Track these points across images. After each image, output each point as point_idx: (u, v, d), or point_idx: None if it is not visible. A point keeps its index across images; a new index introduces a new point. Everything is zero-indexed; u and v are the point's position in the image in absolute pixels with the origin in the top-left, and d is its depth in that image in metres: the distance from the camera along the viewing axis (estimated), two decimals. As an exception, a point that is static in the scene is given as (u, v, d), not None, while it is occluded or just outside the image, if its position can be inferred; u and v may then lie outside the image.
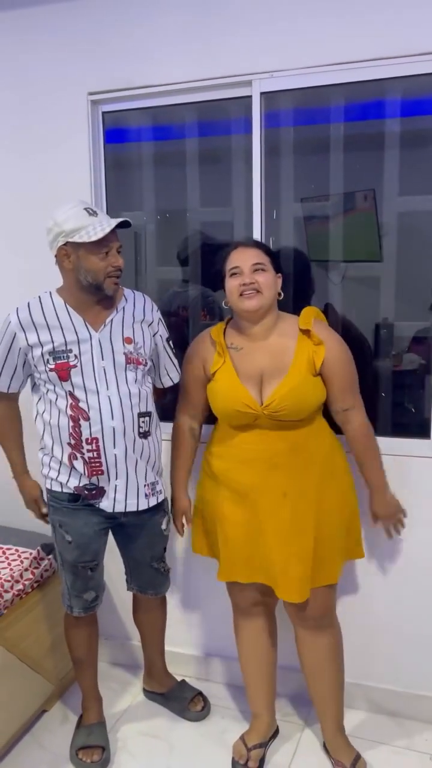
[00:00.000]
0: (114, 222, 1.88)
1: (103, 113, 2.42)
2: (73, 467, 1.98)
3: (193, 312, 2.54)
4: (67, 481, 2.00)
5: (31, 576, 2.29)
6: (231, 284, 1.94)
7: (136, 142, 2.49)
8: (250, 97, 2.21)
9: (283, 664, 2.29)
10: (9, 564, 2.28)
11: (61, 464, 2.01)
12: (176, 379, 2.20)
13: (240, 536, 2.00)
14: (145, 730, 2.32)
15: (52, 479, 2.04)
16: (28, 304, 1.97)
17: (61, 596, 2.19)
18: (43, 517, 2.17)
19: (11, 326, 1.95)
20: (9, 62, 2.43)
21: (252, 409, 1.91)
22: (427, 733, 2.26)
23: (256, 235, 2.27)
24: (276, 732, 2.24)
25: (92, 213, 1.89)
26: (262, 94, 2.20)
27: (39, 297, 1.99)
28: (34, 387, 2.06)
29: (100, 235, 1.84)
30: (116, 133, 2.47)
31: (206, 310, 2.52)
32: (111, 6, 2.29)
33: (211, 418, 2.12)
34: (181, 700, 2.39)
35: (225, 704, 2.44)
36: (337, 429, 2.05)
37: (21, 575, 2.25)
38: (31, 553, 2.35)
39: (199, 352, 2.07)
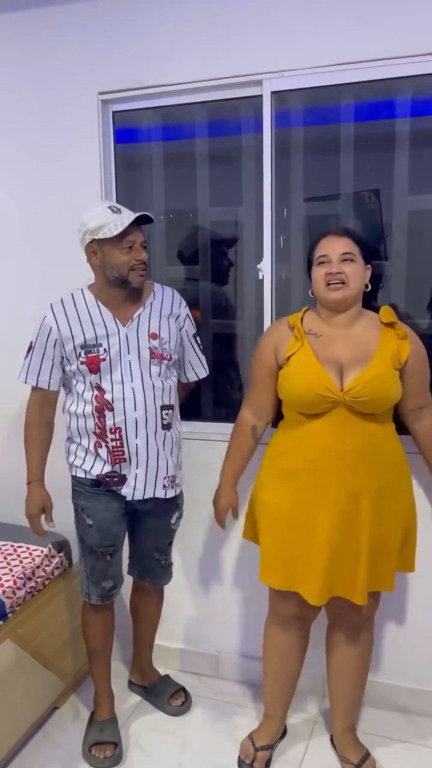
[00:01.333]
0: (132, 217, 1.95)
1: (114, 113, 2.43)
2: (98, 455, 2.05)
3: (202, 309, 2.55)
4: (91, 468, 2.07)
5: (42, 573, 2.30)
6: (317, 273, 1.90)
7: (147, 142, 2.50)
8: (260, 96, 2.23)
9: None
10: (21, 562, 2.29)
11: (86, 452, 2.08)
12: (202, 375, 2.25)
13: (301, 542, 1.91)
14: (156, 726, 2.33)
15: (77, 466, 2.10)
16: (62, 300, 2.06)
17: (77, 589, 2.23)
18: (41, 531, 2.15)
19: (47, 320, 2.04)
20: (20, 63, 2.44)
21: (332, 393, 1.82)
22: (438, 729, 2.27)
23: (266, 234, 2.28)
24: (284, 733, 2.24)
25: (116, 210, 1.98)
26: (272, 93, 2.21)
27: (72, 294, 2.08)
28: (64, 381, 2.12)
29: (120, 229, 1.93)
30: (127, 133, 2.48)
31: (216, 308, 2.54)
32: (121, 6, 2.30)
33: (274, 422, 2.08)
34: (163, 694, 2.41)
35: (238, 701, 2.44)
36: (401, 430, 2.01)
37: (33, 573, 2.26)
38: (42, 551, 2.36)
39: (271, 339, 1.99)
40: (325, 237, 1.94)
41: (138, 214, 1.96)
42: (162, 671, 2.54)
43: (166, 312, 2.10)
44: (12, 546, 2.41)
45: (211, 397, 2.56)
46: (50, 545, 2.39)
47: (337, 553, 1.88)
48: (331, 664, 2.12)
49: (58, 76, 2.41)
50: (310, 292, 1.97)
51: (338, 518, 1.87)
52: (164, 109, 2.41)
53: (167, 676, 2.49)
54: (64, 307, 2.04)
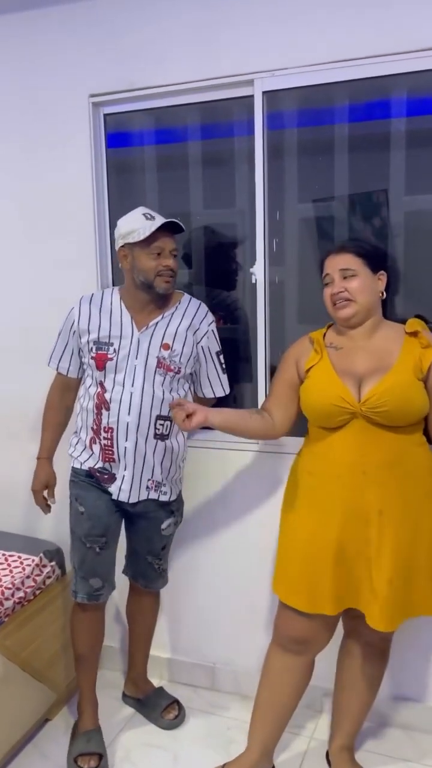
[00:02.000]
0: (158, 223, 1.97)
1: (105, 115, 2.40)
2: (92, 450, 2.10)
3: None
4: (86, 461, 2.12)
5: (33, 583, 2.27)
6: (324, 294, 1.88)
7: (139, 146, 2.46)
8: (252, 96, 2.18)
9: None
10: (11, 571, 2.26)
11: (84, 446, 2.13)
12: (219, 393, 2.20)
13: (322, 560, 1.82)
14: (148, 740, 2.28)
15: (74, 458, 2.17)
16: (92, 294, 2.14)
17: (70, 598, 2.22)
18: (45, 506, 2.25)
19: (73, 311, 2.12)
20: (10, 64, 2.43)
21: (349, 404, 1.77)
22: (438, 747, 2.19)
23: (259, 237, 2.24)
24: None
25: (149, 217, 2.01)
26: (264, 93, 2.17)
27: (103, 291, 2.15)
28: (83, 373, 2.18)
29: (147, 233, 1.96)
30: (119, 137, 2.45)
31: (219, 313, 2.49)
32: (111, 7, 2.27)
33: (297, 431, 2.01)
34: (157, 707, 2.37)
35: (233, 715, 2.39)
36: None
37: (22, 582, 2.23)
38: (33, 560, 2.32)
39: (293, 352, 1.96)
40: (327, 256, 1.89)
41: (166, 221, 1.98)
42: (157, 682, 2.50)
43: (185, 324, 2.08)
44: (3, 555, 2.38)
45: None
46: (42, 554, 2.35)
47: (356, 572, 1.81)
48: (341, 680, 2.06)
49: (48, 79, 2.38)
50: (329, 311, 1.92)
51: (363, 534, 1.79)
52: (156, 113, 2.38)
53: (161, 689, 2.45)
54: (90, 301, 2.11)
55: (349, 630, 2.03)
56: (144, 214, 2.01)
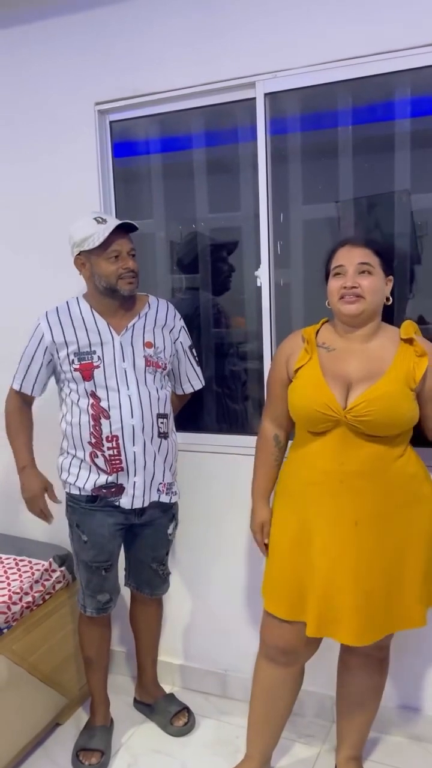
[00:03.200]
0: (112, 225, 1.94)
1: (111, 123, 2.42)
2: (94, 464, 2.04)
3: (198, 318, 2.50)
4: (86, 482, 2.05)
5: (41, 588, 2.28)
6: (333, 285, 1.77)
7: (145, 154, 2.48)
8: (254, 99, 2.16)
9: (305, 686, 2.20)
10: (20, 576, 2.28)
11: (80, 466, 2.06)
12: (197, 386, 2.25)
13: (300, 569, 1.80)
14: (158, 747, 2.27)
15: (70, 484, 2.09)
16: (57, 307, 2.08)
17: (76, 603, 2.23)
18: (47, 512, 2.13)
19: (39, 328, 2.06)
20: (16, 73, 2.46)
21: (333, 412, 1.71)
22: (451, 759, 2.14)
23: (263, 241, 2.22)
24: None
25: (101, 221, 1.98)
26: (266, 95, 2.16)
27: (67, 302, 2.09)
28: (60, 391, 2.12)
29: (102, 239, 1.94)
30: (125, 147, 2.47)
31: (212, 318, 2.49)
32: (114, 16, 2.29)
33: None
34: (166, 713, 2.36)
35: (243, 723, 2.34)
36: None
37: (31, 587, 2.24)
38: (42, 565, 2.34)
39: (284, 351, 1.89)
40: (342, 246, 1.79)
41: (118, 222, 1.95)
42: (168, 688, 2.49)
43: (160, 323, 2.10)
44: (14, 559, 2.40)
45: (213, 408, 2.50)
46: (51, 559, 2.37)
47: (331, 582, 1.76)
48: (341, 692, 2.02)
49: (54, 87, 2.41)
50: (327, 303, 1.83)
51: (337, 545, 1.75)
52: (161, 120, 2.39)
53: (172, 695, 2.44)
54: (58, 314, 2.05)
55: (349, 653, 1.97)
56: (95, 219, 1.98)
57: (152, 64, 2.26)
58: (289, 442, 1.96)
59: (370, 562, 1.74)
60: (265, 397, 2.00)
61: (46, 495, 2.14)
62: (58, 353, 2.04)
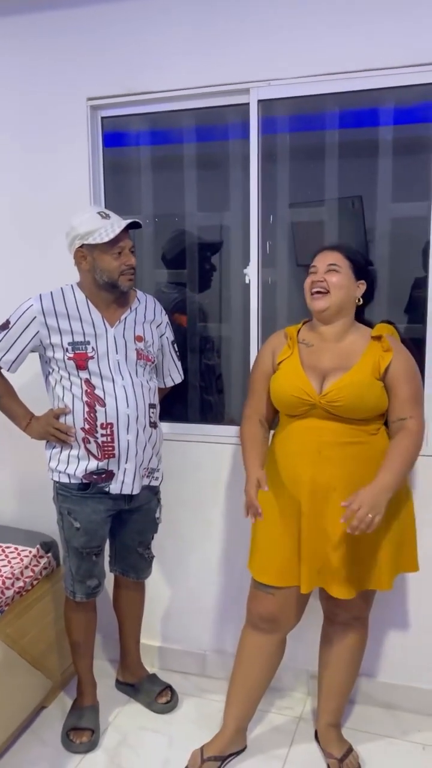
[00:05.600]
0: (124, 223, 2.00)
1: (102, 118, 2.46)
2: (86, 449, 2.08)
3: (189, 313, 2.59)
4: (76, 469, 2.09)
5: (31, 573, 2.32)
6: (306, 282, 1.98)
7: (135, 146, 2.54)
8: (247, 104, 2.27)
9: (286, 658, 2.32)
10: (9, 562, 2.31)
11: (70, 453, 2.10)
12: (177, 380, 2.33)
13: (284, 537, 1.97)
14: (144, 724, 2.36)
15: (60, 472, 2.13)
16: (51, 293, 2.09)
17: (63, 587, 2.27)
18: (65, 433, 2.08)
19: (32, 309, 2.06)
20: (9, 68, 2.47)
21: (309, 397, 1.92)
22: (420, 725, 2.32)
23: (253, 239, 2.33)
24: (241, 751, 2.19)
25: (105, 216, 2.02)
26: (259, 101, 2.25)
27: (61, 289, 2.11)
28: (48, 376, 2.13)
29: (111, 236, 1.98)
30: (115, 137, 2.52)
31: (186, 313, 2.58)
32: (112, 14, 2.33)
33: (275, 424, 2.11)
34: (150, 692, 2.45)
35: (223, 699, 2.43)
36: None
37: (22, 573, 2.28)
38: (30, 552, 2.38)
39: (270, 346, 2.08)
40: (320, 252, 2.00)
41: (129, 220, 2.01)
42: (149, 670, 2.57)
43: (149, 317, 2.18)
44: (0, 547, 2.42)
45: (197, 399, 2.60)
46: (38, 546, 2.41)
47: (315, 543, 1.94)
48: (323, 660, 2.18)
49: (47, 82, 2.43)
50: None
51: (316, 509, 1.93)
52: (152, 115, 2.45)
53: (154, 675, 2.52)
54: (53, 300, 2.07)
55: (326, 613, 2.15)
56: (99, 213, 2.02)
57: (148, 64, 2.32)
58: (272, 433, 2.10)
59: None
60: (249, 391, 2.12)
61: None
62: (50, 338, 2.05)
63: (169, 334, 2.26)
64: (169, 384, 2.33)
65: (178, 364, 2.32)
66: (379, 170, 2.28)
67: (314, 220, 2.39)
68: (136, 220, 2.03)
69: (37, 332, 2.06)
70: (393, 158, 2.27)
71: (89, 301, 2.08)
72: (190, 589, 2.60)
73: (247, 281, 2.36)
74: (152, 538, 2.34)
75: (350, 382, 1.90)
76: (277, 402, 2.02)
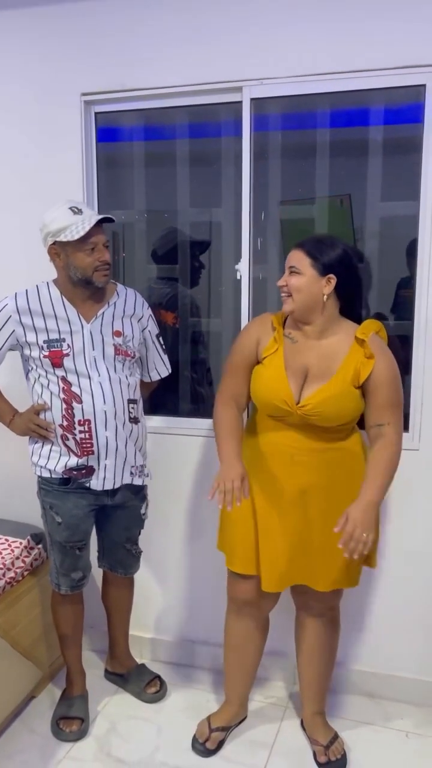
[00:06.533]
0: (94, 219, 1.97)
1: (96, 113, 2.48)
2: (65, 446, 2.08)
3: (180, 308, 2.62)
4: (56, 464, 2.10)
5: (22, 564, 2.34)
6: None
7: (128, 141, 2.56)
8: (240, 102, 2.30)
9: (271, 650, 2.38)
10: (0, 553, 2.33)
11: (51, 447, 2.10)
12: (164, 374, 2.32)
13: (254, 527, 2.02)
14: (133, 713, 2.39)
15: (41, 466, 2.14)
16: (27, 291, 2.08)
17: (49, 578, 2.29)
18: (44, 429, 2.08)
19: (7, 309, 2.06)
20: (3, 62, 2.48)
21: (288, 407, 1.92)
22: (404, 712, 2.37)
23: (244, 235, 2.36)
24: (243, 719, 2.32)
25: (77, 211, 1.99)
26: (252, 100, 2.28)
27: (37, 286, 2.10)
28: (28, 374, 2.14)
29: (82, 233, 1.95)
30: (108, 132, 2.54)
31: (179, 309, 2.61)
32: (106, 9, 2.34)
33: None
34: (139, 682, 2.48)
35: (213, 689, 2.51)
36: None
37: (12, 563, 2.30)
38: (21, 543, 2.40)
39: (257, 330, 2.04)
40: (292, 249, 1.97)
41: (100, 216, 1.98)
42: (138, 661, 2.59)
43: (129, 312, 2.15)
44: (-9, 537, 2.44)
45: (188, 393, 2.63)
46: (29, 537, 2.43)
47: (292, 545, 1.99)
48: (299, 651, 2.22)
49: (41, 77, 2.44)
50: None
51: (291, 512, 1.98)
52: (146, 111, 2.47)
53: (143, 665, 2.55)
54: (28, 298, 2.06)
55: (299, 605, 2.20)
56: (71, 209, 1.98)
57: (142, 60, 2.34)
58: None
59: (322, 527, 1.95)
60: (226, 373, 2.08)
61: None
62: (26, 337, 2.05)
63: (153, 328, 2.23)
64: (156, 378, 2.31)
65: (165, 357, 2.30)
66: (369, 169, 2.32)
67: (303, 217, 2.42)
68: (109, 216, 2.02)
69: (13, 331, 2.05)
70: (383, 158, 2.31)
71: (64, 298, 2.06)
72: (178, 580, 2.63)
73: (238, 277, 2.39)
74: (139, 534, 2.35)
75: (328, 396, 1.89)
76: (257, 401, 2.02)
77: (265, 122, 2.36)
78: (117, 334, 2.10)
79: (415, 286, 2.23)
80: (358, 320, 2.00)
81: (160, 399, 2.61)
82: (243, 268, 2.38)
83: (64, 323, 2.05)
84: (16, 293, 2.08)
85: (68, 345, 2.04)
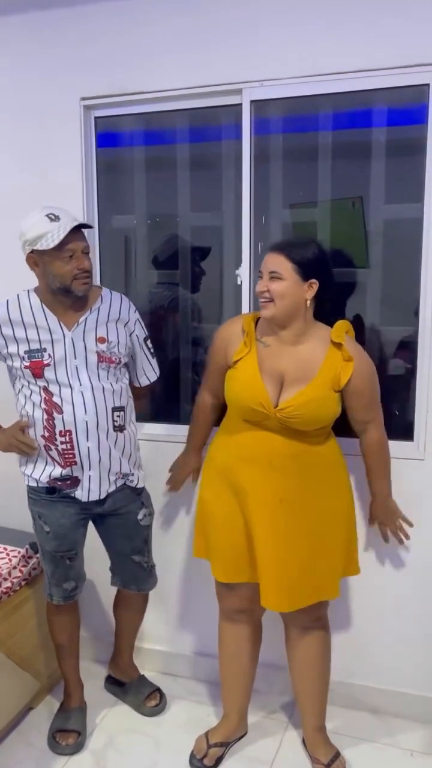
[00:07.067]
0: (69, 226, 1.91)
1: (96, 118, 2.46)
2: (49, 456, 2.05)
3: (170, 313, 2.59)
4: (41, 474, 2.07)
5: (19, 574, 2.31)
6: (256, 287, 1.96)
7: (128, 146, 2.53)
8: (240, 105, 2.26)
9: (271, 662, 2.33)
10: (-3, 562, 2.31)
11: (36, 458, 2.07)
12: (153, 378, 2.25)
13: (234, 536, 2.00)
14: (131, 726, 2.35)
15: (28, 476, 2.11)
16: (7, 301, 2.04)
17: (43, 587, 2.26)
18: (27, 445, 2.05)
19: None
20: (3, 67, 2.46)
21: (264, 410, 1.89)
22: (408, 730, 2.30)
23: (245, 240, 2.32)
24: (242, 735, 2.26)
25: (54, 218, 1.92)
26: (252, 102, 2.24)
27: (17, 296, 2.06)
28: (14, 383, 2.11)
29: (57, 241, 1.89)
30: (108, 137, 2.51)
31: (180, 313, 2.58)
32: (105, 13, 2.32)
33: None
34: (139, 694, 2.43)
35: (213, 702, 2.46)
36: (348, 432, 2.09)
37: (9, 573, 2.27)
38: (19, 552, 2.37)
39: (224, 336, 2.04)
40: (268, 252, 1.94)
41: (74, 223, 1.92)
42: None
43: (114, 316, 2.08)
44: (-11, 546, 2.42)
45: (189, 399, 2.59)
46: (27, 546, 2.40)
47: (266, 554, 1.95)
48: (291, 666, 2.17)
49: (40, 81, 2.42)
50: None
51: (262, 520, 1.94)
52: (146, 115, 2.44)
53: (143, 677, 2.51)
54: (8, 308, 2.02)
55: (285, 619, 2.13)
56: (48, 215, 1.91)
57: (140, 64, 2.31)
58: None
59: (294, 537, 1.94)
60: (205, 374, 2.13)
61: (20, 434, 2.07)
62: (7, 348, 2.01)
63: (140, 332, 2.16)
64: (144, 383, 2.22)
65: (153, 362, 2.22)
66: (372, 172, 2.26)
67: (314, 220, 2.35)
68: (85, 223, 1.98)
69: None
70: (386, 160, 2.25)
71: (45, 306, 2.01)
72: (180, 590, 2.59)
73: (239, 282, 2.35)
74: (146, 544, 2.27)
75: (309, 399, 1.88)
76: (232, 405, 2.00)
77: (266, 126, 2.31)
78: (101, 340, 2.03)
79: (421, 288, 2.17)
80: (330, 322, 1.99)
81: (161, 406, 2.57)
82: (243, 273, 2.34)
83: (45, 332, 2.00)
84: None
85: (49, 355, 1.99)
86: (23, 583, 2.34)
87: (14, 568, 2.30)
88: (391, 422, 2.20)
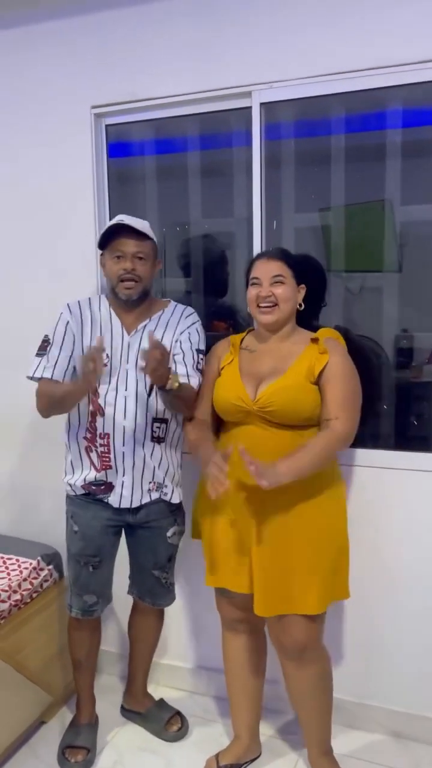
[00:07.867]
0: (112, 222, 1.99)
1: (107, 126, 2.44)
2: (88, 458, 2.07)
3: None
4: (77, 480, 2.09)
5: (29, 586, 2.29)
6: (250, 293, 1.97)
7: (140, 156, 2.51)
8: (250, 108, 2.21)
9: (282, 680, 2.25)
10: (9, 574, 2.29)
11: (73, 462, 2.10)
12: (184, 379, 2.05)
13: (224, 543, 1.98)
14: (143, 745, 2.29)
15: (66, 481, 2.14)
16: (79, 301, 2.12)
17: (63, 602, 2.25)
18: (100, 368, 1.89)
19: (63, 316, 2.09)
20: (13, 76, 2.48)
21: (244, 403, 1.91)
22: (431, 755, 2.18)
23: (256, 246, 2.26)
24: (255, 757, 2.17)
25: (119, 222, 2.00)
26: (261, 104, 2.20)
27: (89, 297, 2.15)
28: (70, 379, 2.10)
29: (99, 238, 2.01)
30: (120, 147, 2.50)
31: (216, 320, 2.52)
32: (113, 21, 2.31)
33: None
34: (159, 720, 2.35)
35: (227, 721, 2.38)
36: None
37: (19, 585, 2.25)
38: (31, 563, 2.35)
39: (216, 353, 2.11)
40: (259, 259, 1.98)
41: (114, 221, 1.98)
42: (153, 687, 2.50)
43: (172, 325, 2.08)
44: (2, 558, 2.40)
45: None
46: (39, 558, 2.38)
47: (242, 559, 1.94)
48: (289, 694, 2.08)
49: (51, 90, 2.43)
50: (248, 311, 2.01)
51: (245, 527, 1.93)
52: (156, 124, 2.42)
53: (162, 701, 2.43)
54: (80, 307, 2.09)
55: (273, 642, 2.04)
56: (119, 220, 1.99)
57: (150, 71, 2.29)
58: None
59: (275, 544, 1.91)
60: (198, 396, 2.06)
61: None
62: (76, 343, 2.05)
63: (194, 336, 2.07)
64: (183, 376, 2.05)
65: (192, 371, 2.03)
66: (387, 173, 2.19)
67: (343, 224, 2.28)
68: (128, 224, 1.97)
69: (74, 336, 2.05)
70: (402, 161, 2.17)
71: (112, 309, 2.09)
72: (194, 606, 2.53)
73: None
74: (169, 562, 2.22)
75: (282, 386, 1.88)
76: (217, 408, 2.01)
77: (277, 131, 2.27)
78: None
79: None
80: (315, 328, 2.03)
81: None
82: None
83: (108, 333, 2.05)
84: (68, 303, 2.10)
85: (107, 355, 2.00)
86: (34, 595, 2.32)
87: (24, 580, 2.28)
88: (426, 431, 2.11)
